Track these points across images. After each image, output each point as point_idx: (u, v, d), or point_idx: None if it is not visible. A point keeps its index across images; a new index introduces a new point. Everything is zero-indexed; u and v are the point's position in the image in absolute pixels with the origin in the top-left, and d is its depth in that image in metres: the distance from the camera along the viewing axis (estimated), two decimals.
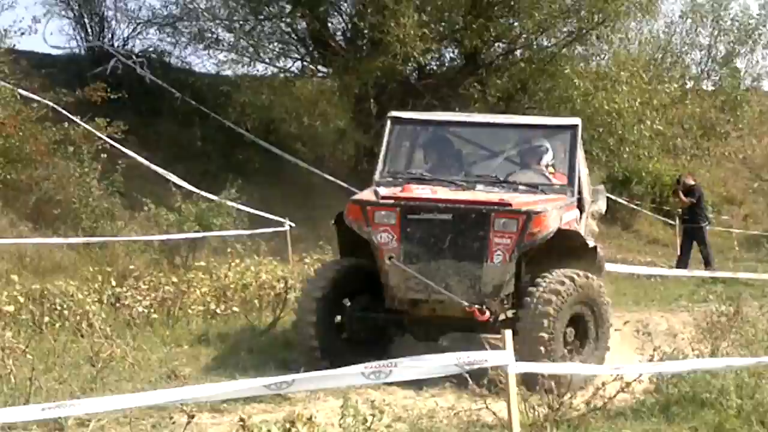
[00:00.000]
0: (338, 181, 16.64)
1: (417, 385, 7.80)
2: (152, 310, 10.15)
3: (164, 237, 12.82)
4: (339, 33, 18.43)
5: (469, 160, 9.73)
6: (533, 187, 9.03)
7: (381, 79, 16.90)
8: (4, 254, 11.55)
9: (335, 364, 7.90)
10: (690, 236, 17.11)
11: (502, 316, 8.68)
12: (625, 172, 21.29)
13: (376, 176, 9.35)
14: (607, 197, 11.31)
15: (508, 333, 5.91)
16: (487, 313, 8.37)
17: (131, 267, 11.74)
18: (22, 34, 14.77)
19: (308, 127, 17.25)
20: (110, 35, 18.87)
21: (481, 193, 8.85)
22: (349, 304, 8.94)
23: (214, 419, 7.22)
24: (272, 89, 17.25)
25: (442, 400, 7.78)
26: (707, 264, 16.64)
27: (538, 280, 8.42)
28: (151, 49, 18.90)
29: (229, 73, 18.53)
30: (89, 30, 18.74)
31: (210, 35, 18.08)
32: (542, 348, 7.98)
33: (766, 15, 24.88)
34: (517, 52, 18.27)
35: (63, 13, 18.45)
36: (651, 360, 7.73)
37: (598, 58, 18.56)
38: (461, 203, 8.58)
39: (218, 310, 10.66)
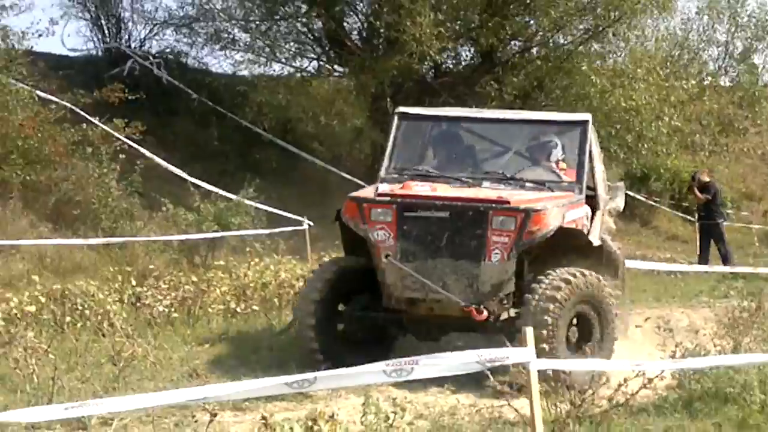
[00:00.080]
0: (355, 180, 16.62)
1: (438, 382, 7.78)
2: (173, 310, 10.18)
3: (183, 237, 12.85)
4: (355, 32, 18.43)
5: (478, 157, 9.55)
6: (540, 185, 8.88)
7: (397, 78, 16.90)
8: (25, 255, 11.60)
9: (337, 365, 7.92)
10: (707, 233, 17.05)
11: (504, 315, 8.55)
12: (644, 168, 21.24)
13: (382, 172, 9.23)
14: (626, 194, 11.25)
15: (529, 330, 5.87)
16: (485, 313, 8.24)
17: (151, 267, 11.78)
18: (40, 36, 14.81)
19: (325, 126, 17.28)
20: (127, 36, 18.95)
21: (480, 191, 8.71)
22: (348, 304, 8.82)
23: (236, 417, 7.24)
24: (289, 89, 17.28)
25: (464, 397, 7.78)
26: (725, 260, 16.57)
27: (541, 277, 8.27)
28: (167, 50, 18.98)
29: (245, 73, 18.59)
30: (106, 31, 18.81)
31: (226, 36, 18.13)
32: (544, 346, 7.67)
33: None
34: (534, 50, 18.24)
35: (80, 14, 18.55)
36: (673, 356, 7.70)
37: (614, 55, 18.52)
38: (458, 201, 8.45)
39: (238, 309, 10.67)
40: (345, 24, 18.22)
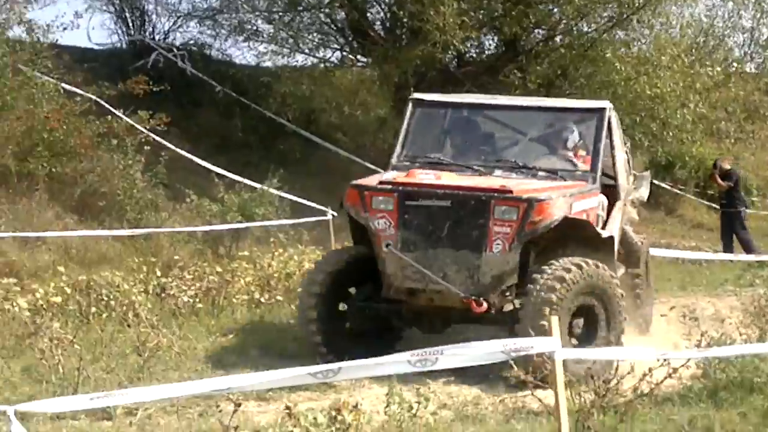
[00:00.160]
0: (379, 170, 16.55)
1: (461, 372, 7.76)
2: (197, 300, 10.23)
3: (208, 228, 12.89)
4: (378, 22, 18.40)
5: (492, 145, 9.37)
6: (553, 173, 8.75)
7: (421, 67, 16.86)
8: (51, 246, 11.68)
9: (340, 358, 7.81)
10: (729, 221, 16.92)
11: (509, 307, 8.40)
12: (668, 156, 21.10)
13: (393, 160, 9.15)
14: (651, 183, 11.14)
15: (554, 319, 5.85)
16: (485, 305, 8.10)
17: (176, 257, 11.85)
18: (65, 29, 14.85)
19: (349, 116, 17.28)
20: (151, 29, 18.99)
21: (484, 179, 8.55)
22: (351, 295, 8.65)
23: (260, 407, 7.27)
24: (312, 79, 17.29)
25: (487, 387, 7.77)
26: (747, 248, 16.43)
27: (544, 267, 8.11)
28: (191, 42, 19.02)
29: (269, 64, 18.62)
30: (130, 24, 18.86)
31: (250, 27, 18.15)
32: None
33: None
34: (557, 38, 18.14)
35: (104, 7, 18.61)
36: (698, 345, 7.65)
37: (639, 42, 18.40)
38: (460, 189, 8.29)
39: (262, 300, 10.72)
40: (368, 14, 18.20)
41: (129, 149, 13.43)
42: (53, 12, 16.20)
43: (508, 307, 8.46)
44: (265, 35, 18.09)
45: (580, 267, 8.09)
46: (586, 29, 17.82)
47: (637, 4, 16.95)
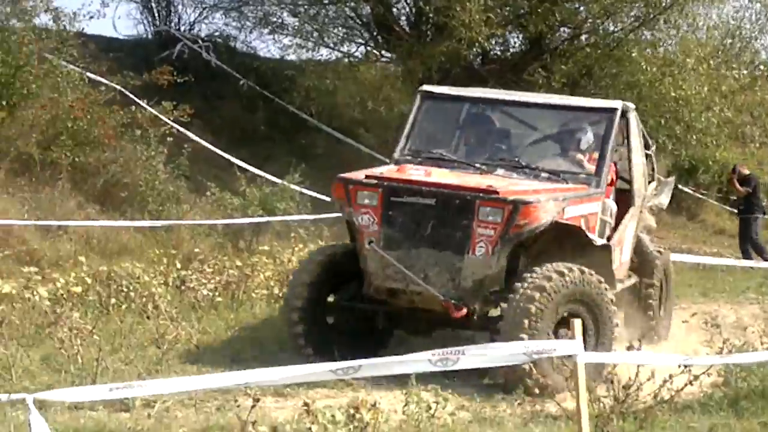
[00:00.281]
0: None
1: (480, 372, 7.72)
2: (217, 294, 10.23)
3: (228, 221, 12.90)
4: (403, 18, 18.35)
5: (499, 142, 9.03)
6: (555, 175, 8.44)
7: (445, 64, 16.79)
8: (72, 236, 11.71)
9: (320, 352, 7.81)
10: (746, 227, 16.76)
11: (497, 312, 8.00)
12: (692, 160, 20.96)
13: (396, 153, 8.91)
14: (674, 186, 10.95)
15: (577, 322, 5.80)
16: (464, 310, 7.82)
17: (196, 250, 11.87)
18: (91, 18, 14.84)
19: (372, 111, 17.21)
20: (177, 20, 18.99)
21: (472, 178, 8.23)
22: (338, 291, 8.48)
23: (278, 403, 7.27)
24: (336, 74, 17.24)
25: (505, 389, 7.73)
26: (761, 254, 16.22)
27: (525, 274, 7.78)
28: (216, 34, 19.00)
29: (293, 57, 18.56)
30: (156, 14, 18.88)
31: (275, 20, 18.13)
32: None
33: None
34: (583, 37, 18.04)
35: None
36: (720, 353, 7.58)
37: (665, 43, 18.28)
38: (446, 188, 7.98)
39: (282, 294, 10.67)
40: (393, 9, 18.15)
41: (152, 140, 13.45)
42: (80, 0, 16.15)
43: (495, 313, 8.12)
44: (290, 28, 18.07)
45: (562, 274, 7.75)
46: (612, 29, 17.72)
47: (664, 4, 16.84)
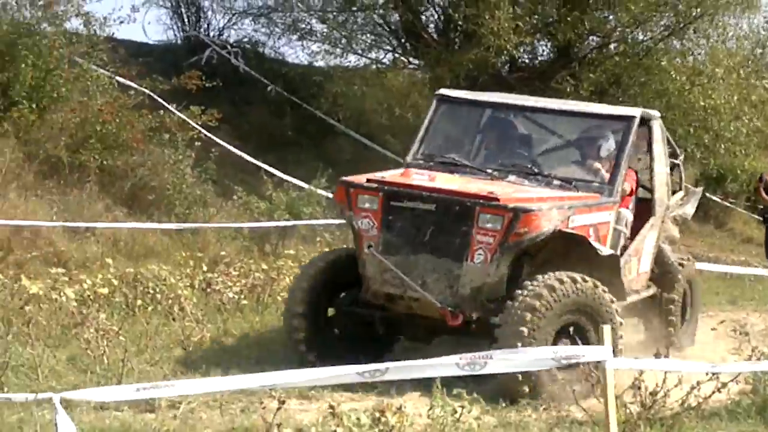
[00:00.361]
0: None
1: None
2: (242, 297, 10.25)
3: (255, 225, 12.94)
4: (432, 25, 18.36)
5: (514, 148, 8.83)
6: (568, 183, 8.26)
7: (473, 71, 16.77)
8: (100, 238, 11.78)
9: (323, 358, 7.67)
10: None
11: (497, 320, 7.73)
12: (720, 169, 20.84)
13: (408, 157, 8.81)
14: (702, 194, 10.79)
15: (606, 328, 5.75)
16: (460, 317, 7.69)
17: (222, 253, 11.92)
18: (121, 23, 14.97)
19: (399, 118, 17.21)
20: (206, 25, 19.07)
21: (474, 184, 8.08)
22: (341, 296, 8.37)
23: (302, 406, 7.26)
24: (364, 80, 17.26)
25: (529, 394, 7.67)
26: None
27: (526, 282, 7.60)
28: (245, 40, 19.06)
29: (321, 63, 18.61)
30: (186, 20, 18.98)
31: (303, 26, 18.16)
32: None
33: None
34: (612, 46, 17.98)
35: (160, 2, 18.74)
36: (749, 360, 7.52)
37: (695, 53, 18.19)
38: (446, 193, 7.85)
39: None
40: (422, 16, 18.16)
41: (180, 144, 13.52)
42: (110, 5, 16.26)
43: (495, 321, 7.88)
44: (318, 35, 18.10)
45: (564, 283, 7.58)
46: (641, 37, 17.66)
47: (694, 14, 16.78)
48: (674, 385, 6.57)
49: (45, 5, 13.73)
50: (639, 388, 6.51)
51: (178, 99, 14.32)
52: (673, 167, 9.69)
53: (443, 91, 9.33)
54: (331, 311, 8.52)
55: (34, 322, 8.04)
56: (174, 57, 17.54)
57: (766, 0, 19.79)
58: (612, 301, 7.78)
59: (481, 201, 7.73)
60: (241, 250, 12.54)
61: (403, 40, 18.36)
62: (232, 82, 17.09)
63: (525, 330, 7.38)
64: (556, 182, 8.28)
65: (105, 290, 9.52)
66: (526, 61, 18.69)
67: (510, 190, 7.96)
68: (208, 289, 10.21)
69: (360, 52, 18.25)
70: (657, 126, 9.13)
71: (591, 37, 17.92)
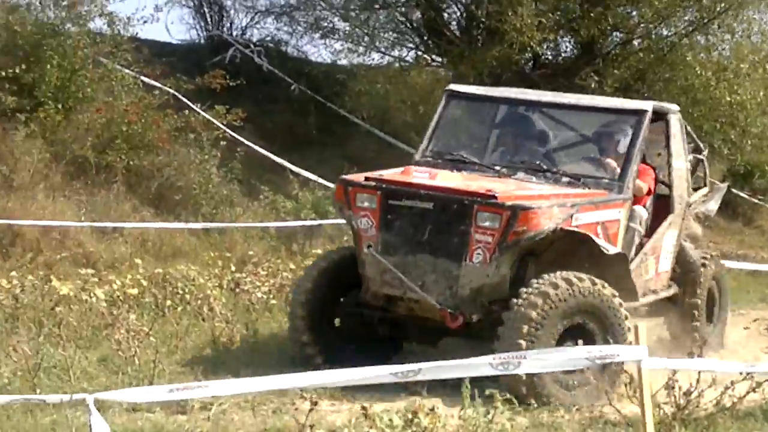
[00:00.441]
0: None
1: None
2: (271, 296, 10.25)
3: (282, 224, 12.95)
4: (454, 22, 18.31)
5: (524, 144, 8.62)
6: (576, 179, 8.05)
7: (496, 68, 16.71)
8: (128, 238, 11.83)
9: (331, 361, 7.54)
10: None
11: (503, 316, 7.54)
12: (747, 165, 20.69)
13: (417, 155, 8.66)
14: (729, 191, 10.62)
15: (642, 326, 5.71)
16: (460, 319, 7.53)
17: (250, 253, 11.94)
18: (145, 22, 15.00)
19: (423, 116, 17.17)
20: (229, 24, 19.10)
21: (475, 182, 7.87)
22: (345, 297, 8.23)
23: (333, 407, 7.25)
24: (387, 78, 17.23)
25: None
26: None
27: (532, 281, 7.43)
28: (268, 39, 19.08)
29: (344, 62, 18.58)
30: (209, 19, 19.01)
31: (326, 24, 18.15)
32: None
33: None
34: (635, 42, 17.89)
35: (183, 2, 18.78)
36: None
37: (719, 48, 18.08)
38: (444, 191, 7.66)
39: None
40: (444, 14, 18.12)
41: (205, 144, 13.55)
42: (134, 4, 16.33)
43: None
44: (341, 33, 18.08)
45: (570, 283, 7.39)
46: (665, 33, 17.56)
47: (718, 9, 16.67)
48: (708, 385, 6.50)
49: (69, 5, 13.79)
50: (673, 388, 6.46)
51: (202, 99, 14.36)
52: (697, 163, 9.50)
53: (453, 86, 9.14)
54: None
55: (65, 323, 8.10)
56: (197, 56, 17.57)
57: None
58: (621, 304, 7.60)
59: (479, 199, 7.56)
60: (269, 250, 12.55)
61: (425, 38, 18.31)
62: (255, 81, 17.09)
63: (527, 327, 7.24)
64: (564, 179, 8.11)
65: (134, 291, 9.57)
66: (550, 57, 18.60)
67: (510, 188, 7.79)
68: (237, 289, 10.22)
69: (383, 50, 18.22)
70: (675, 120, 8.87)
71: (615, 33, 17.82)
